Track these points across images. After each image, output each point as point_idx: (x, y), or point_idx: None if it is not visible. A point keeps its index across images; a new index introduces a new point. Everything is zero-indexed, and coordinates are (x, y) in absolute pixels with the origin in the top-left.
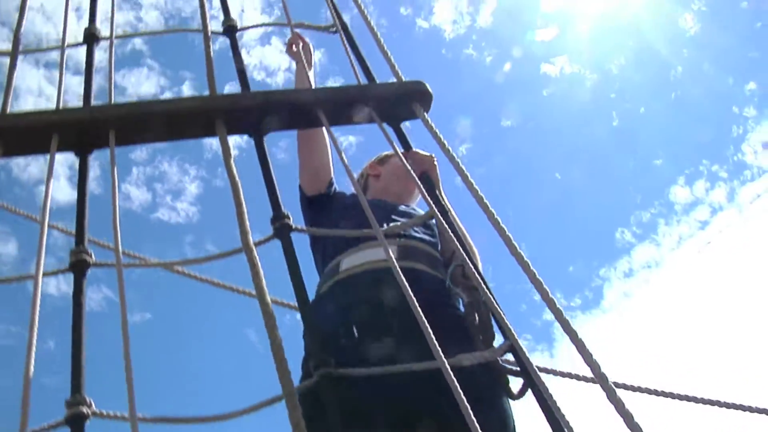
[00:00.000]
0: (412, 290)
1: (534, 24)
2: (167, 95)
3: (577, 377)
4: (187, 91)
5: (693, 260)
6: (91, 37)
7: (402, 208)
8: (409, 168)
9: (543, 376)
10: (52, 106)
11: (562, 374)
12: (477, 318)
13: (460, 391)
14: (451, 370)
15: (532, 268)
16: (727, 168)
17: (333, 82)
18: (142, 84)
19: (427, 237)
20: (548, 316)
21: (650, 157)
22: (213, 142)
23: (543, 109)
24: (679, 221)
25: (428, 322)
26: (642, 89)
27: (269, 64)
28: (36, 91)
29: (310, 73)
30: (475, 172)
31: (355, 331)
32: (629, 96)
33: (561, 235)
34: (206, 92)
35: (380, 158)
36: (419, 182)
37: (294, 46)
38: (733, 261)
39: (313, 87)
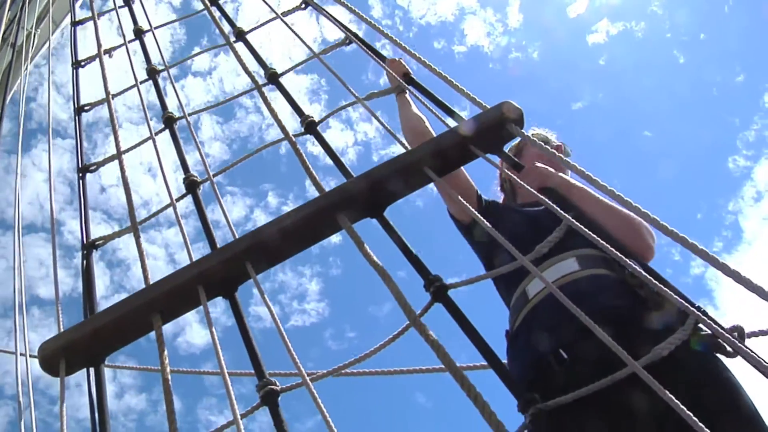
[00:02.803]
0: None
1: (562, 2)
2: (258, 213)
3: None
4: (272, 200)
5: None
6: (192, 184)
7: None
8: (531, 189)
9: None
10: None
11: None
12: (663, 306)
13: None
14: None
15: (691, 240)
16: None
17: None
18: (232, 212)
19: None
20: (696, 270)
21: (730, 77)
22: None
23: (605, 78)
24: None
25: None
26: (693, 16)
27: (337, 145)
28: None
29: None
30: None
31: (564, 354)
32: (683, 29)
33: (675, 187)
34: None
35: (514, 150)
36: (544, 198)
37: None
38: None
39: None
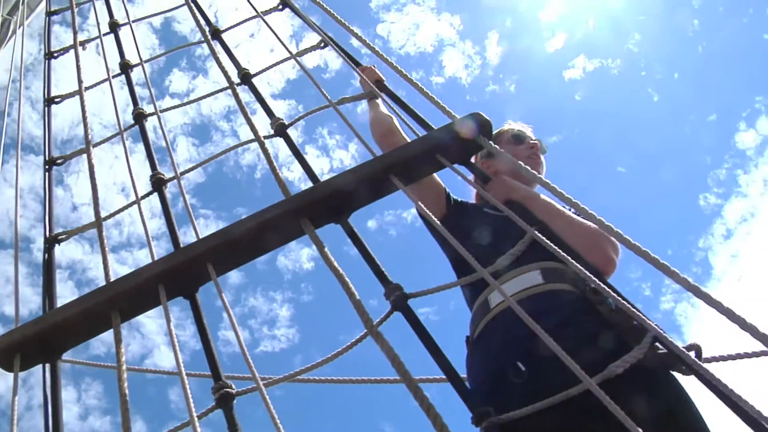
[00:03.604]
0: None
1: (541, 37)
2: None
3: (746, 355)
4: None
5: None
6: (159, 182)
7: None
8: (497, 201)
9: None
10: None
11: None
12: (621, 324)
13: (612, 403)
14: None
15: (653, 254)
16: None
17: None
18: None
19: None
20: (666, 305)
21: (703, 116)
22: (288, 263)
23: (581, 113)
24: (756, 165)
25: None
26: (668, 56)
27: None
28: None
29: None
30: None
31: (521, 366)
32: (658, 68)
33: (646, 223)
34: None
35: (487, 152)
36: (510, 211)
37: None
38: None
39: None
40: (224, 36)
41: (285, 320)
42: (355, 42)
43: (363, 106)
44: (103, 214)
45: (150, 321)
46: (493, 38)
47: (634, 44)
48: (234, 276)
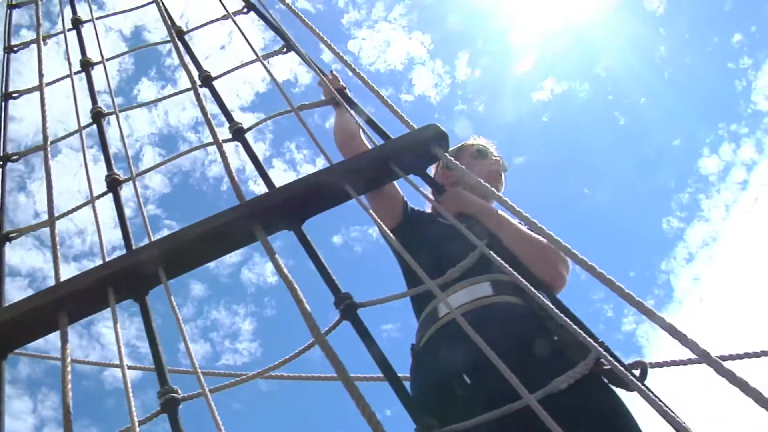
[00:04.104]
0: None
1: (510, 59)
2: None
3: (681, 362)
4: None
5: (747, 221)
6: (114, 182)
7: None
8: (447, 213)
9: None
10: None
11: (661, 364)
12: (568, 339)
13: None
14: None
15: (599, 269)
16: (746, 122)
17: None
18: None
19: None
20: (627, 326)
21: (667, 141)
22: (252, 277)
23: (548, 134)
24: (719, 190)
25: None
26: (634, 81)
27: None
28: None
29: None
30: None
31: (467, 378)
32: (625, 92)
33: (609, 245)
34: None
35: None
36: (459, 224)
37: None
38: None
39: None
40: (192, 42)
41: (248, 334)
42: (325, 57)
43: (332, 120)
44: (69, 226)
45: (110, 332)
46: (463, 58)
47: (601, 68)
48: (197, 288)
